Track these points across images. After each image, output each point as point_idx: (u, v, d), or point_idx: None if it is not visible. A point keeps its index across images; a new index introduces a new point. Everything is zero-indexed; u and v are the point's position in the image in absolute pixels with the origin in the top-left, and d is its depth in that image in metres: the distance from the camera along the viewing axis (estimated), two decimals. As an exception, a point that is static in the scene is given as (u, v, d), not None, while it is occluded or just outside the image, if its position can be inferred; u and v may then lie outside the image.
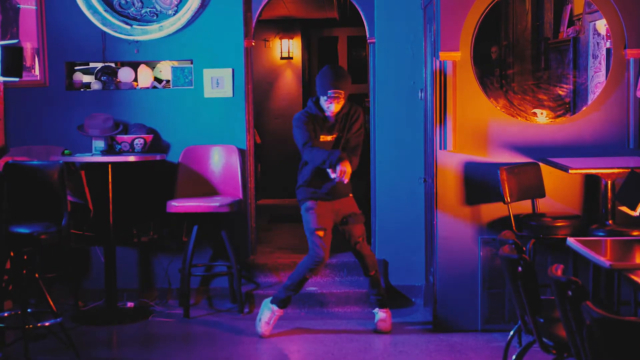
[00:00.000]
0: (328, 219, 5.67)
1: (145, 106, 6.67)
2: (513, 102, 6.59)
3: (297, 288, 5.69)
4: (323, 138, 5.65)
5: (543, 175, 5.64)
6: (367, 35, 7.04)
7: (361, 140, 5.74)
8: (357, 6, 7.14)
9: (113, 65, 6.86)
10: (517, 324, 4.53)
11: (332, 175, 5.48)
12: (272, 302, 5.73)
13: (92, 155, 6.32)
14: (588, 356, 2.81)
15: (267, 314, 5.72)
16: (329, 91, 5.56)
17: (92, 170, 6.39)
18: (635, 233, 4.94)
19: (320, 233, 5.61)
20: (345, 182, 5.52)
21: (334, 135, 5.67)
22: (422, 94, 6.47)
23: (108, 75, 6.74)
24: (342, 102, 5.62)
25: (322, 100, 5.62)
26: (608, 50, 5.94)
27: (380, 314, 5.83)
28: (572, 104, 6.60)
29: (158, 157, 6.39)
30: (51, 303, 5.34)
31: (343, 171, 5.43)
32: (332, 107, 5.60)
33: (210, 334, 5.88)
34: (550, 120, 6.02)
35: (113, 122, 6.42)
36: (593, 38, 6.33)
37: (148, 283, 6.74)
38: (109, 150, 6.37)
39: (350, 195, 5.83)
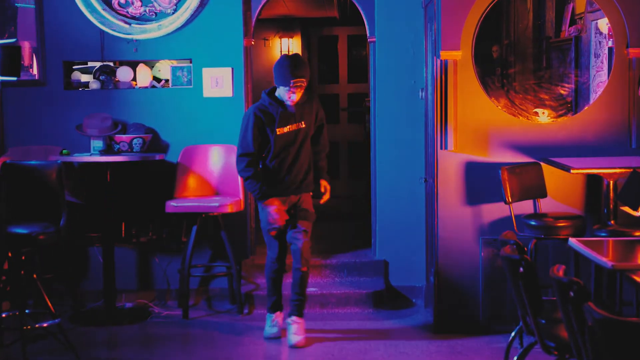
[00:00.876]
0: (283, 214, 5.62)
1: (144, 106, 6.67)
2: (514, 102, 6.59)
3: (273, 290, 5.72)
4: (280, 131, 5.55)
5: (545, 175, 5.64)
6: (368, 34, 7.05)
7: (324, 125, 5.75)
8: (357, 5, 7.14)
9: (112, 64, 6.86)
10: (519, 325, 4.53)
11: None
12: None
13: (90, 155, 6.32)
14: (590, 357, 2.81)
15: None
16: (292, 81, 5.47)
17: (91, 170, 6.38)
18: (637, 233, 4.93)
19: (273, 233, 5.60)
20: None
21: (294, 126, 5.60)
22: (423, 93, 6.47)
23: (106, 74, 6.74)
24: (303, 90, 5.57)
25: (283, 90, 5.54)
26: (610, 49, 5.94)
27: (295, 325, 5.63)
28: (573, 104, 6.60)
29: (157, 157, 6.39)
30: (49, 304, 5.34)
31: (272, 212, 5.54)
32: (294, 96, 5.54)
33: (209, 335, 5.88)
34: (552, 119, 6.02)
35: (112, 121, 6.42)
36: (595, 37, 6.33)
37: (147, 284, 6.74)
38: (108, 150, 6.37)
39: (310, 193, 5.74)
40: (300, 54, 12.00)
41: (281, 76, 5.53)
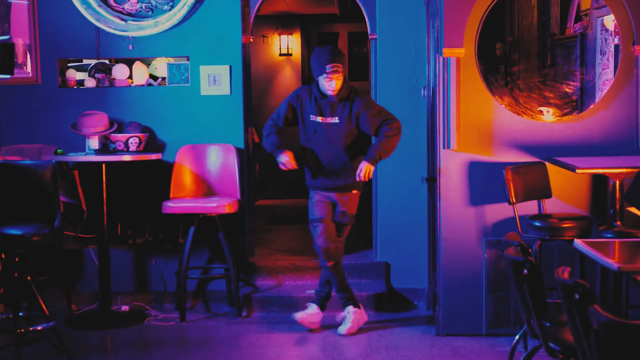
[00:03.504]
0: (327, 209, 5.80)
1: (141, 104, 6.67)
2: (518, 100, 6.59)
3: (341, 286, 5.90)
4: (313, 117, 5.77)
5: (549, 175, 5.64)
6: (369, 31, 7.05)
7: (384, 113, 5.80)
8: (358, 1, 7.14)
9: (107, 62, 6.86)
10: (523, 328, 4.53)
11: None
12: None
13: (85, 154, 6.32)
14: (595, 361, 2.81)
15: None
16: (327, 66, 5.63)
17: (86, 170, 6.38)
18: (644, 234, 4.94)
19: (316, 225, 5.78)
20: (286, 168, 5.79)
21: (331, 119, 5.75)
22: (425, 91, 6.47)
23: (102, 72, 6.74)
24: (341, 77, 5.71)
25: (322, 79, 5.69)
26: (616, 46, 5.94)
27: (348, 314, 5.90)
28: (579, 102, 6.59)
29: (153, 157, 6.39)
30: (44, 306, 5.34)
31: (284, 162, 5.75)
32: (332, 84, 5.68)
33: (207, 339, 5.88)
34: (557, 118, 6.02)
35: (107, 120, 6.42)
36: (601, 34, 6.33)
37: (143, 286, 6.74)
38: (103, 149, 6.37)
39: (354, 191, 5.87)
40: (300, 51, 12.04)
41: (317, 65, 5.71)
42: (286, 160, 5.77)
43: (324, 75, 5.65)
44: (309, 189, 5.94)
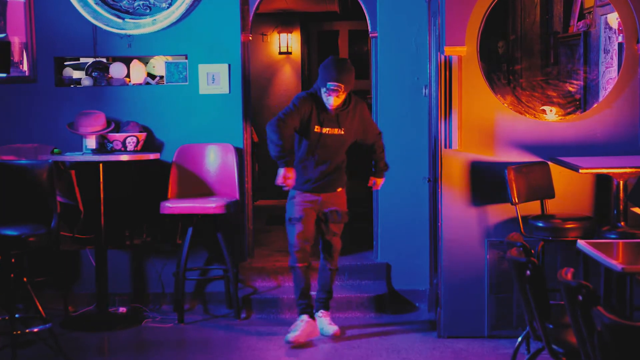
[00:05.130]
0: (310, 211, 5.74)
1: (138, 103, 6.67)
2: (521, 99, 6.59)
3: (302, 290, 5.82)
4: (318, 129, 5.63)
5: (552, 175, 5.64)
6: (369, 29, 7.04)
7: (377, 127, 5.96)
8: (358, -1, 7.14)
9: (104, 60, 6.86)
10: (526, 330, 4.53)
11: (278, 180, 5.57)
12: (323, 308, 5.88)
13: (82, 154, 6.32)
14: (599, 363, 2.81)
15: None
16: (328, 83, 5.53)
17: (83, 170, 6.38)
18: (648, 235, 4.94)
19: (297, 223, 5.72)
20: (286, 188, 5.63)
21: (336, 130, 5.66)
22: (427, 90, 6.47)
23: (99, 70, 6.74)
24: (342, 97, 5.59)
25: (322, 92, 5.60)
26: (620, 44, 5.94)
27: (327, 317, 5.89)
28: (582, 101, 6.59)
29: (151, 157, 6.39)
30: (40, 308, 5.35)
31: (283, 177, 5.51)
32: (330, 100, 5.58)
33: (205, 341, 5.88)
34: (560, 117, 6.02)
35: (104, 119, 6.42)
36: (604, 32, 6.32)
37: (141, 287, 6.73)
38: (100, 149, 6.37)
39: (340, 189, 5.86)
40: (300, 49, 12.04)
41: (321, 76, 5.60)
42: (289, 177, 5.53)
43: (325, 89, 5.56)
44: (292, 189, 5.75)
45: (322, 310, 5.86)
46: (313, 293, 5.86)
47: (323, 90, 5.58)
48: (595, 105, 5.83)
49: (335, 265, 5.87)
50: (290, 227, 5.74)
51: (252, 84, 7.15)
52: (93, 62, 6.80)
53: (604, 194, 5.68)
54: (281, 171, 5.51)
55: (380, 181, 6.05)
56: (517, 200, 5.43)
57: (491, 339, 5.73)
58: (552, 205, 5.64)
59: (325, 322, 5.81)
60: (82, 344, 5.89)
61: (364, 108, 5.81)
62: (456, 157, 5.73)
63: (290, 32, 12.01)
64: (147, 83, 6.77)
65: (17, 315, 5.36)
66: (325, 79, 5.55)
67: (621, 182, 5.17)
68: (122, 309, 6.52)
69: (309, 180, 5.74)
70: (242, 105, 6.68)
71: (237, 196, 6.46)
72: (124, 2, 6.64)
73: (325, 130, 5.64)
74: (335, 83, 5.52)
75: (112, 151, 6.36)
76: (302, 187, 5.74)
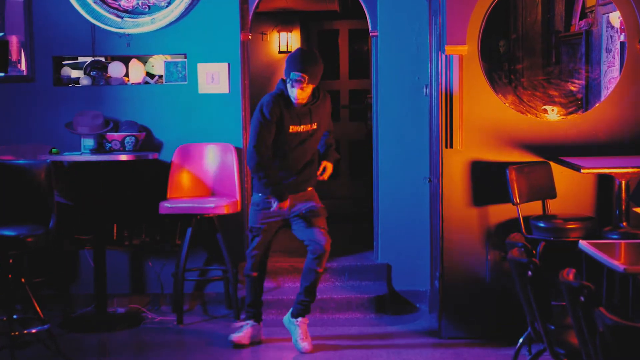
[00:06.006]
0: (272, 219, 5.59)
1: (137, 103, 6.67)
2: (522, 98, 6.59)
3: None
4: (293, 129, 5.44)
5: (554, 175, 5.64)
6: (370, 29, 7.04)
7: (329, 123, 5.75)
8: (358, -2, 7.13)
9: (103, 59, 6.86)
10: (527, 331, 4.53)
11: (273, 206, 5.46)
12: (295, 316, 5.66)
13: (81, 154, 6.31)
14: (601, 365, 2.81)
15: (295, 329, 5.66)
16: (292, 73, 5.31)
17: (82, 170, 6.38)
18: (650, 236, 4.94)
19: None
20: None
21: (308, 127, 5.50)
22: (427, 89, 6.47)
23: (98, 70, 6.74)
24: (306, 90, 5.37)
25: (287, 84, 5.40)
26: (622, 43, 5.94)
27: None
28: (584, 100, 6.60)
29: (150, 156, 6.39)
30: (38, 309, 5.34)
31: (280, 207, 5.44)
32: (294, 92, 5.35)
33: (204, 342, 5.88)
34: (562, 117, 6.02)
35: (103, 119, 6.42)
36: (606, 31, 6.32)
37: (140, 288, 6.73)
38: (99, 148, 6.37)
39: (310, 189, 5.67)
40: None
41: (286, 67, 5.40)
42: (287, 207, 5.45)
43: (289, 80, 5.36)
44: (259, 193, 5.54)
45: (300, 318, 5.61)
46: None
47: (287, 82, 5.37)
48: (597, 104, 5.83)
49: (322, 267, 5.55)
50: (250, 236, 5.68)
51: (252, 84, 7.15)
52: (91, 62, 6.80)
53: (606, 194, 5.68)
54: (282, 203, 5.42)
55: (330, 168, 5.73)
56: (518, 201, 5.43)
57: (492, 340, 5.72)
58: (553, 206, 5.64)
59: (298, 335, 5.58)
60: (80, 344, 5.89)
61: (328, 100, 5.66)
62: (457, 156, 5.72)
63: (290, 31, 12.00)
64: (146, 82, 6.77)
65: (15, 316, 5.35)
66: (289, 69, 5.35)
67: (623, 182, 5.17)
68: (121, 310, 6.53)
69: (289, 184, 5.54)
70: (242, 105, 6.68)
71: (237, 196, 6.45)
72: (123, 1, 6.63)
73: (300, 128, 5.47)
74: (299, 73, 5.30)
75: (111, 151, 6.36)
76: (267, 191, 5.48)
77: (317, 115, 5.55)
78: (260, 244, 5.64)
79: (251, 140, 5.42)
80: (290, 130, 5.45)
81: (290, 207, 5.54)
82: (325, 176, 5.75)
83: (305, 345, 5.55)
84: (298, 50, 5.49)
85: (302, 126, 5.49)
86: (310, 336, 5.66)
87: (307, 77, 5.33)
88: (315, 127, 5.56)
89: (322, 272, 5.60)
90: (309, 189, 5.66)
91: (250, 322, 5.72)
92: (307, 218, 5.54)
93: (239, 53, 6.65)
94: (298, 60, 5.34)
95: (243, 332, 5.69)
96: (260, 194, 5.56)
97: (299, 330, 5.60)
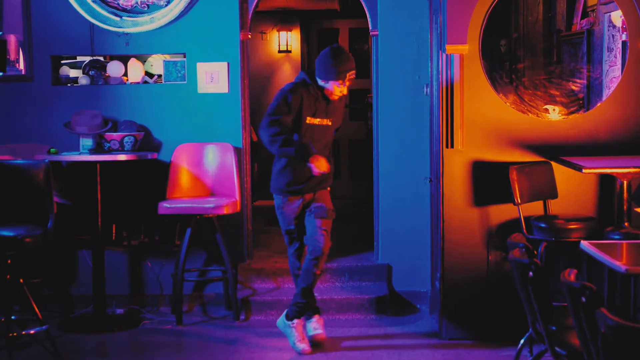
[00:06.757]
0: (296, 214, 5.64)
1: (136, 102, 6.67)
2: (523, 98, 6.59)
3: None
4: (310, 120, 5.49)
5: (555, 175, 5.64)
6: (370, 28, 7.04)
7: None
8: (359, -3, 7.13)
9: (102, 59, 6.86)
10: (528, 332, 4.53)
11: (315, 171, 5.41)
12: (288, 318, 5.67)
13: (79, 154, 6.31)
14: (603, 366, 2.81)
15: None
16: (347, 73, 5.42)
17: (80, 170, 6.38)
18: (652, 236, 4.93)
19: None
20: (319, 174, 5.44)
21: (323, 122, 5.56)
22: (428, 89, 6.47)
23: (96, 69, 6.74)
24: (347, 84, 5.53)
25: (332, 84, 5.45)
26: (624, 43, 5.94)
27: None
28: (586, 100, 6.60)
29: (149, 156, 6.39)
30: (36, 310, 5.34)
31: (318, 168, 5.38)
32: (340, 88, 5.47)
33: (204, 343, 5.88)
34: (563, 117, 6.02)
35: (102, 119, 6.42)
36: (608, 30, 6.32)
37: (139, 289, 6.74)
38: (98, 148, 6.37)
39: (328, 188, 5.74)
40: (299, 48, 12.03)
41: (328, 70, 5.42)
42: (322, 165, 5.38)
43: (337, 82, 5.43)
44: (281, 194, 5.60)
45: (296, 320, 5.60)
46: None
47: (335, 83, 5.44)
48: (598, 104, 5.83)
49: (320, 269, 5.55)
50: (287, 238, 5.71)
51: (252, 83, 7.16)
52: (90, 61, 6.80)
53: (607, 194, 5.68)
54: (317, 161, 5.36)
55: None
56: (519, 201, 5.43)
57: (493, 341, 5.72)
58: (555, 206, 5.64)
59: (295, 337, 5.59)
60: (79, 345, 5.89)
61: (343, 99, 5.73)
62: (458, 156, 5.72)
63: (290, 30, 12.01)
64: (145, 82, 6.77)
65: (13, 317, 5.35)
66: (340, 70, 5.41)
67: (625, 182, 5.17)
68: (120, 311, 6.52)
69: (297, 181, 5.57)
70: (241, 104, 6.68)
71: (236, 196, 6.45)
72: (122, 0, 6.63)
73: (316, 121, 5.52)
74: (353, 72, 5.46)
75: (110, 151, 6.36)
76: (288, 190, 5.55)
77: (332, 112, 5.61)
78: (298, 251, 5.69)
79: (268, 114, 5.44)
80: (307, 121, 5.49)
81: (308, 201, 5.59)
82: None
83: (304, 346, 5.55)
84: (337, 48, 5.53)
85: (318, 119, 5.54)
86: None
87: (354, 73, 5.51)
88: (329, 123, 5.61)
89: (320, 274, 5.60)
90: (328, 188, 5.73)
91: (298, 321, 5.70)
92: (314, 216, 5.56)
93: (239, 52, 6.65)
94: (347, 59, 5.46)
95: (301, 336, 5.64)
96: (279, 195, 5.62)
97: (295, 333, 5.60)
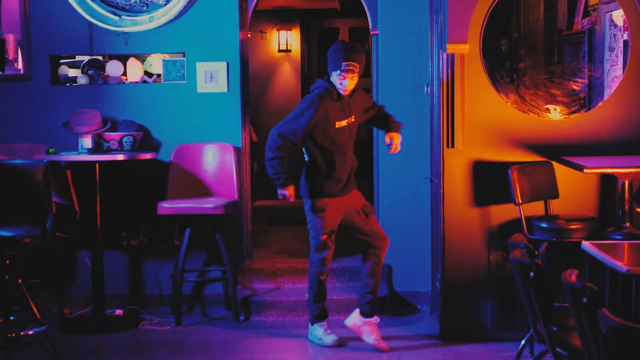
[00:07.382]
0: (337, 218, 5.64)
1: (135, 102, 6.67)
2: (524, 98, 6.59)
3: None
4: (339, 124, 5.52)
5: (556, 174, 5.64)
6: (370, 27, 7.05)
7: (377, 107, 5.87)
8: (359, -4, 7.14)
9: (101, 58, 6.86)
10: (529, 333, 4.53)
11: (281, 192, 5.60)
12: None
13: (78, 153, 6.32)
14: (604, 366, 2.81)
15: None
16: (343, 63, 5.43)
17: (79, 170, 6.38)
18: (654, 236, 4.94)
19: (325, 237, 5.60)
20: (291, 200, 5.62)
21: (349, 119, 5.57)
22: (428, 88, 6.47)
23: (95, 69, 6.74)
24: (356, 78, 5.51)
25: (335, 75, 5.49)
26: (625, 42, 5.94)
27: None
28: (587, 100, 6.60)
29: (148, 156, 6.39)
30: (35, 310, 5.34)
31: (284, 195, 5.57)
32: (345, 82, 5.46)
33: (203, 344, 5.88)
34: (564, 116, 6.02)
35: (101, 118, 6.42)
36: (609, 29, 6.32)
37: (138, 289, 6.73)
38: (97, 148, 6.37)
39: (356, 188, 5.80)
40: (299, 47, 12.05)
41: (333, 60, 5.49)
42: (290, 195, 5.56)
43: (339, 72, 5.46)
44: (316, 197, 5.57)
45: (376, 315, 5.73)
46: None
47: (336, 73, 5.47)
48: (600, 103, 5.83)
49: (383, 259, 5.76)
50: (319, 243, 5.61)
51: (251, 83, 7.15)
52: (89, 60, 6.80)
53: (609, 194, 5.68)
54: (284, 191, 5.58)
55: (398, 137, 5.75)
56: (520, 201, 5.43)
57: (494, 342, 5.73)
58: (556, 206, 5.64)
59: (375, 336, 5.68)
60: (78, 346, 5.89)
61: (362, 92, 5.77)
62: (458, 156, 5.72)
63: (290, 30, 12.02)
64: (144, 81, 6.77)
65: (12, 318, 5.35)
66: (338, 60, 5.45)
67: (626, 182, 5.17)
68: (119, 311, 6.52)
69: (338, 183, 5.59)
70: (241, 104, 6.68)
71: (236, 196, 6.46)
72: (121, -1, 6.64)
73: (344, 122, 5.54)
74: (350, 62, 5.43)
75: (109, 151, 6.36)
76: (331, 192, 5.57)
77: (354, 108, 5.63)
78: (330, 252, 5.67)
79: (281, 126, 5.51)
80: (337, 126, 5.52)
81: (348, 205, 5.62)
82: (395, 148, 5.74)
83: (383, 345, 5.65)
84: (341, 42, 5.59)
85: (345, 120, 5.56)
86: (309, 337, 5.69)
87: (358, 66, 5.48)
88: (353, 119, 5.63)
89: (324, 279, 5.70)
90: (355, 188, 5.76)
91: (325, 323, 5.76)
92: (366, 213, 5.68)
93: (238, 52, 6.65)
94: (348, 51, 5.49)
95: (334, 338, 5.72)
96: (309, 199, 5.60)
97: (377, 329, 5.69)
